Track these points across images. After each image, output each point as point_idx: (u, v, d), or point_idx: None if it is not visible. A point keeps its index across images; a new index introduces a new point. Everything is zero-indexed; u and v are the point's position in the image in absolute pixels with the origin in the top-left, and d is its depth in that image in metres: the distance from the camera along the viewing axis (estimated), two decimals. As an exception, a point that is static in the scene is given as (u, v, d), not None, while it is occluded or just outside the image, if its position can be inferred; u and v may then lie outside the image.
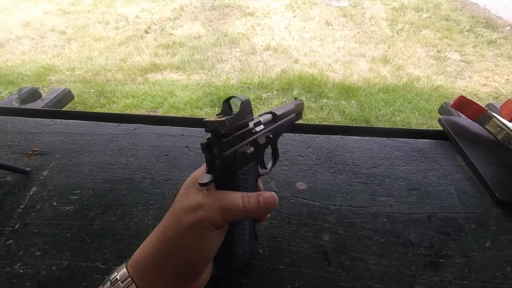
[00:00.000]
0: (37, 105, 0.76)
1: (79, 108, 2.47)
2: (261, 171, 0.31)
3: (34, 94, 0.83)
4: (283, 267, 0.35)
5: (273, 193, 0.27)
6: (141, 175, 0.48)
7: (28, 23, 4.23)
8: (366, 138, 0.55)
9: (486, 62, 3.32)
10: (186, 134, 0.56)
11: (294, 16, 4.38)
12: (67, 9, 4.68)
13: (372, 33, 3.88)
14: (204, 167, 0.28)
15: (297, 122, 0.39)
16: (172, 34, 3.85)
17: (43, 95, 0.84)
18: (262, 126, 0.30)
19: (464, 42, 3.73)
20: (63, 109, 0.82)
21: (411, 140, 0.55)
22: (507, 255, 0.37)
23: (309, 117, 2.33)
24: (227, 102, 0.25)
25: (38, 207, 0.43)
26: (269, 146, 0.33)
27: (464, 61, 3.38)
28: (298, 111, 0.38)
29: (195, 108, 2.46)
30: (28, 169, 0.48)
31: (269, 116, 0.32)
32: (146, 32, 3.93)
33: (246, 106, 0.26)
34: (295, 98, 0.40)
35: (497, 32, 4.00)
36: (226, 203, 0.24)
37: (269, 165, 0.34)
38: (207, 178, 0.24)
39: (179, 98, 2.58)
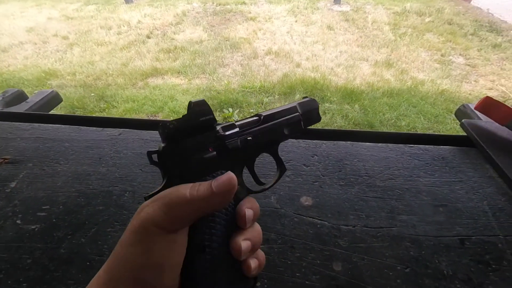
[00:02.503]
0: (20, 108, 0.70)
1: (79, 113, 2.44)
2: (255, 188, 0.26)
3: (19, 97, 0.77)
4: (285, 305, 0.29)
5: (230, 173, 0.21)
6: (121, 188, 0.41)
7: (32, 29, 4.26)
8: (380, 144, 0.49)
9: (492, 66, 3.27)
10: (176, 140, 0.50)
11: (296, 21, 4.37)
12: (70, 15, 4.73)
13: (374, 37, 3.85)
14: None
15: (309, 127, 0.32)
16: (173, 39, 3.84)
17: (29, 97, 0.78)
18: (237, 129, 0.26)
19: (468, 46, 3.69)
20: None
21: (431, 147, 0.48)
22: None
23: (312, 121, 2.27)
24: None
25: (-2, 225, 0.37)
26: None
27: (469, 65, 3.33)
28: (305, 110, 0.31)
29: (195, 113, 2.41)
30: (-6, 180, 0.42)
31: (254, 119, 0.28)
32: (148, 37, 3.93)
33: (198, 106, 0.23)
34: (304, 97, 0.34)
35: (502, 35, 3.96)
36: (171, 196, 0.19)
37: (270, 180, 0.28)
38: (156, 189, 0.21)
39: (179, 102, 2.54)
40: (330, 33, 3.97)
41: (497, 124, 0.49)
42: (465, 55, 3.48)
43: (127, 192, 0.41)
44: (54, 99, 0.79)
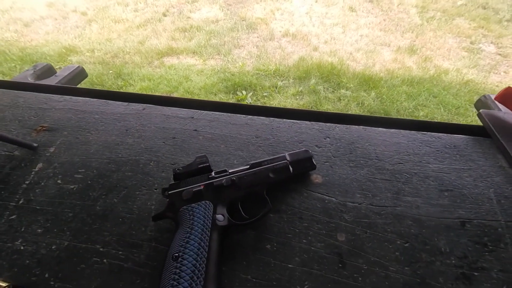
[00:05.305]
0: (51, 81, 0.75)
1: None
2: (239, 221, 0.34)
3: (48, 71, 0.82)
4: (292, 266, 0.32)
5: None
6: (147, 157, 0.45)
7: (52, 4, 4.30)
8: (392, 130, 0.50)
9: (526, 57, 3.04)
10: (195, 117, 0.53)
11: (316, 1, 4.18)
12: (88, -11, 4.71)
13: (399, 21, 3.64)
14: None
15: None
16: (189, 18, 3.79)
17: (58, 72, 0.83)
18: (226, 173, 0.37)
19: (502, 34, 3.42)
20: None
21: (444, 135, 0.49)
22: (556, 273, 0.31)
23: (326, 107, 2.24)
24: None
25: (42, 183, 0.42)
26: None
27: (500, 54, 3.11)
28: (294, 158, 0.39)
29: (209, 94, 2.43)
30: (35, 144, 0.47)
31: (245, 167, 0.38)
32: (164, 15, 3.89)
33: (199, 158, 0.37)
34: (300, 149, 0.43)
35: (542, 23, 3.63)
36: None
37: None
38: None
39: (194, 83, 2.56)
40: (351, 15, 3.78)
41: (516, 115, 0.48)
42: (497, 44, 3.24)
43: (152, 162, 0.45)
44: (80, 74, 0.83)
